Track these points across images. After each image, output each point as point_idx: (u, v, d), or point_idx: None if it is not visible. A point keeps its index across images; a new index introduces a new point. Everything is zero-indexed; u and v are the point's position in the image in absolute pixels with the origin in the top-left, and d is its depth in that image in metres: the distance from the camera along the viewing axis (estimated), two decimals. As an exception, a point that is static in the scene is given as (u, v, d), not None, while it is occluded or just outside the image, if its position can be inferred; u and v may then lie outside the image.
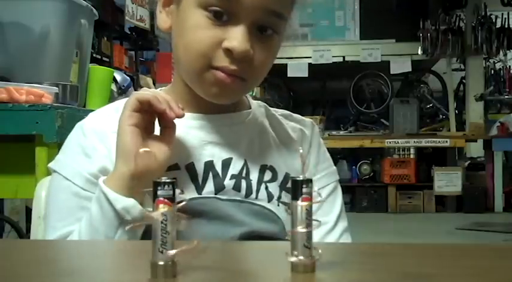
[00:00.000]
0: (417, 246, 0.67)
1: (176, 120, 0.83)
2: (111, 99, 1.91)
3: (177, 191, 0.49)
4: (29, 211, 3.17)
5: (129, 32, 6.42)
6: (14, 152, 1.49)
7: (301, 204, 0.49)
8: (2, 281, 0.48)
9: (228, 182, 0.88)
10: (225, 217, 0.86)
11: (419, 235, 4.79)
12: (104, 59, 5.59)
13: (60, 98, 1.59)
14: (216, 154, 0.89)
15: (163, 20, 0.91)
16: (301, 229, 0.49)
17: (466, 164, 6.86)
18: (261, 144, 0.93)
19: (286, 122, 0.99)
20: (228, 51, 0.82)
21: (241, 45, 0.81)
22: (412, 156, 6.87)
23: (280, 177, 0.91)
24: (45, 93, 1.50)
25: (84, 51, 1.85)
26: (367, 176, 6.79)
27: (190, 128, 0.89)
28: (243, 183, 0.88)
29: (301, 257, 0.49)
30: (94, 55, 5.13)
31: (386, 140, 6.54)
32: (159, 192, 0.48)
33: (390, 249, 0.65)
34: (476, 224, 5.29)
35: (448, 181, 6.24)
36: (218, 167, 0.88)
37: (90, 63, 1.95)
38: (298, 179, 0.50)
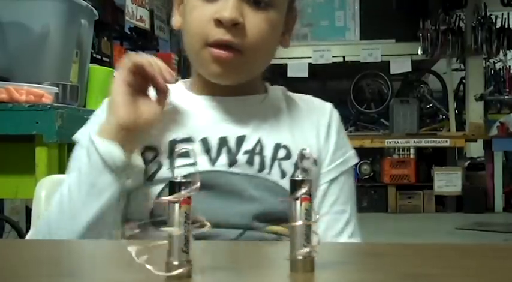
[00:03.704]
0: (417, 246, 0.67)
1: (192, 101, 0.93)
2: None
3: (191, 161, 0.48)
4: (29, 211, 3.16)
5: (129, 32, 6.41)
6: (14, 152, 1.49)
7: (300, 203, 0.49)
8: (2, 281, 0.48)
9: (241, 157, 0.89)
10: (237, 192, 0.87)
11: (419, 235, 4.78)
12: (104, 59, 5.58)
13: (60, 98, 1.59)
14: (230, 131, 0.91)
15: (176, 19, 0.96)
16: (300, 229, 0.49)
17: (466, 164, 6.85)
18: (275, 125, 0.95)
19: (304, 105, 1.01)
20: (218, 22, 0.86)
21: (228, 13, 0.84)
22: (412, 156, 6.86)
23: (295, 157, 0.92)
24: (45, 93, 1.50)
25: (84, 51, 1.85)
26: (367, 176, 6.78)
27: (205, 108, 0.93)
28: (256, 158, 0.90)
29: (300, 257, 0.49)
30: (94, 55, 5.11)
31: (387, 140, 6.54)
32: (183, 192, 0.48)
33: (390, 249, 0.65)
34: (476, 224, 5.29)
35: (448, 181, 6.24)
36: (232, 143, 0.90)
37: (90, 63, 1.95)
38: (297, 179, 0.50)
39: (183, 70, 7.07)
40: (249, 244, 0.79)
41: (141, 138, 0.87)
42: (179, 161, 0.82)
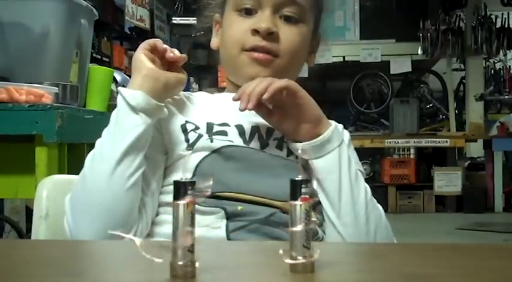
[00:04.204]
0: (416, 246, 0.67)
1: (226, 96, 1.00)
2: (111, 99, 1.91)
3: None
4: (29, 211, 3.16)
5: (129, 32, 6.42)
6: (14, 152, 1.49)
7: (300, 204, 0.50)
8: (3, 281, 0.48)
9: (272, 142, 0.98)
10: (269, 168, 0.95)
11: (419, 235, 4.78)
12: (104, 59, 5.57)
13: (60, 98, 1.59)
14: (261, 121, 0.98)
15: (214, 40, 1.09)
16: (300, 229, 0.49)
17: (466, 164, 6.85)
18: None
19: None
20: (255, 32, 0.98)
21: (265, 23, 0.97)
22: (412, 156, 6.87)
23: None
24: (45, 93, 1.50)
25: (84, 51, 1.85)
26: (367, 176, 6.75)
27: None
28: (285, 145, 0.98)
29: (300, 257, 0.49)
30: (94, 55, 5.11)
31: (387, 140, 6.54)
32: (189, 192, 0.48)
33: (389, 249, 0.65)
34: (476, 224, 5.29)
35: (448, 181, 6.24)
36: (263, 131, 0.99)
37: (90, 63, 1.95)
38: (297, 179, 0.50)
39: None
40: (249, 244, 0.79)
41: (167, 94, 0.95)
42: (217, 138, 0.95)
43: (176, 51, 0.96)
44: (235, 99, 0.90)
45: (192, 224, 0.48)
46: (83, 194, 0.88)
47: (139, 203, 0.90)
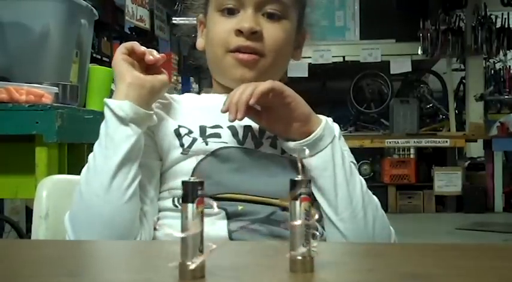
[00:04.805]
0: (416, 246, 0.67)
1: (216, 98, 1.01)
2: (111, 99, 1.91)
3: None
4: (29, 211, 3.16)
5: (129, 32, 6.41)
6: (14, 152, 1.49)
7: (299, 204, 0.50)
8: (3, 281, 0.48)
9: (265, 141, 0.98)
10: (265, 167, 0.95)
11: (419, 235, 4.78)
12: (104, 59, 5.57)
13: (60, 98, 1.59)
14: (253, 122, 0.97)
15: (200, 41, 1.09)
16: (300, 229, 0.49)
17: (466, 164, 6.85)
18: None
19: None
20: (239, 32, 0.97)
21: (248, 23, 0.96)
22: (412, 156, 6.87)
23: None
24: (45, 93, 1.50)
25: (84, 51, 1.85)
26: (367, 176, 6.78)
27: None
28: (279, 143, 0.98)
29: (299, 257, 0.49)
30: (94, 55, 5.10)
31: (387, 140, 6.53)
32: (199, 192, 0.47)
33: (389, 249, 0.65)
34: (476, 224, 5.29)
35: (448, 181, 6.24)
36: (256, 131, 0.99)
37: (90, 63, 1.95)
38: (297, 179, 0.50)
39: (183, 70, 7.07)
40: (249, 244, 0.79)
41: (153, 99, 0.94)
42: (212, 140, 0.95)
43: (154, 52, 0.95)
44: (223, 112, 0.89)
45: (202, 224, 0.48)
46: (82, 211, 0.87)
47: (139, 212, 0.90)
